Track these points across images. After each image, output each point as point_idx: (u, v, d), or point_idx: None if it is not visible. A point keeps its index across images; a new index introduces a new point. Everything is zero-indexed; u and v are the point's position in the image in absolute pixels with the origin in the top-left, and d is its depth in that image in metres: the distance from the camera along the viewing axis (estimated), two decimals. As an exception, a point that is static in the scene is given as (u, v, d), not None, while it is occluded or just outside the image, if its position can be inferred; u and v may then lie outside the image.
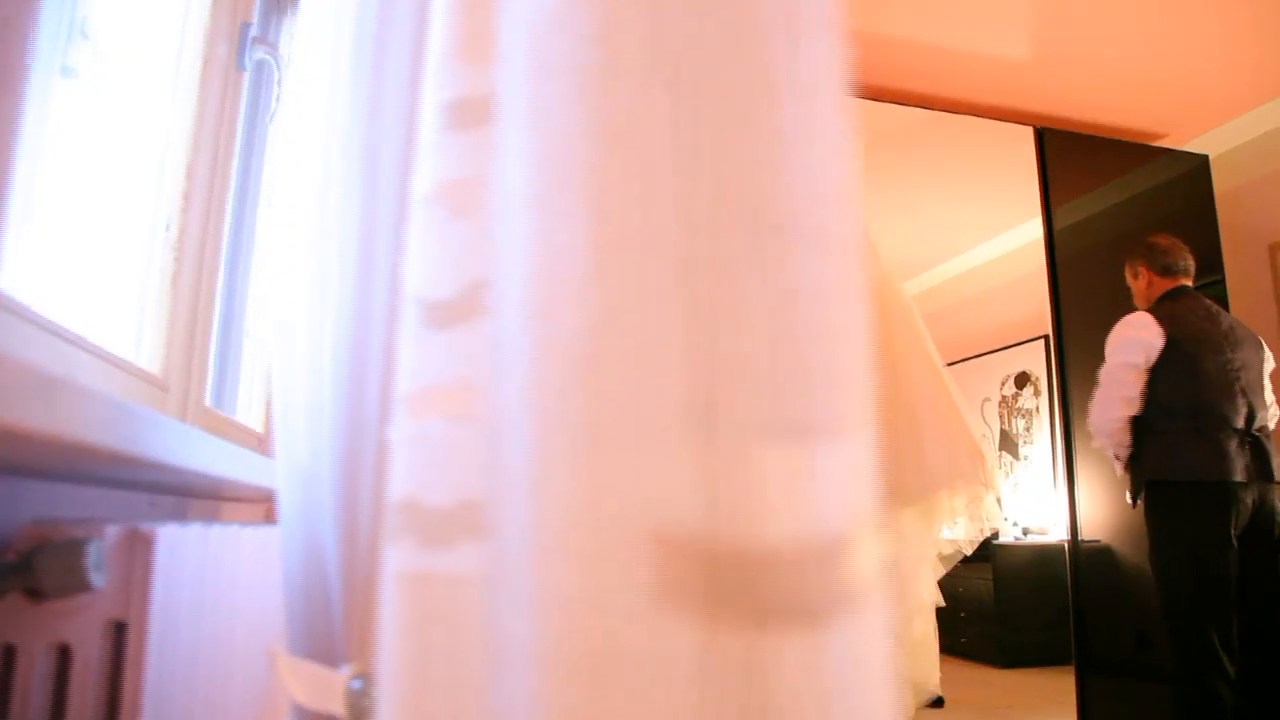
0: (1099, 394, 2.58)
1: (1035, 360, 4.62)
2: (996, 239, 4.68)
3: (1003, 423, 4.86)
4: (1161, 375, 2.47)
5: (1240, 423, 2.42)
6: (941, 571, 2.75)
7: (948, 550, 2.76)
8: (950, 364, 4.77)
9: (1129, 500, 2.59)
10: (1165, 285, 2.65)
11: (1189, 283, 2.65)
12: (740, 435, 0.27)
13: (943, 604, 2.74)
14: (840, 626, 0.27)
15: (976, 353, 5.00)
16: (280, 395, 0.59)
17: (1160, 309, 2.59)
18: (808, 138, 0.30)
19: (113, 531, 0.62)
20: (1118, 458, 2.62)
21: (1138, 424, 2.55)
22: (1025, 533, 4.56)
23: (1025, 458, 4.69)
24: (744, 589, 0.26)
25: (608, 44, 0.29)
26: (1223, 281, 3.48)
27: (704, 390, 0.27)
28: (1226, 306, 3.42)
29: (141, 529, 0.63)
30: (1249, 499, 2.37)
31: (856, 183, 0.32)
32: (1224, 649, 2.27)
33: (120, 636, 0.63)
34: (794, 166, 0.30)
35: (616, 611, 0.26)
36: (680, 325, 0.28)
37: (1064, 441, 3.42)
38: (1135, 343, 2.49)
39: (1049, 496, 4.43)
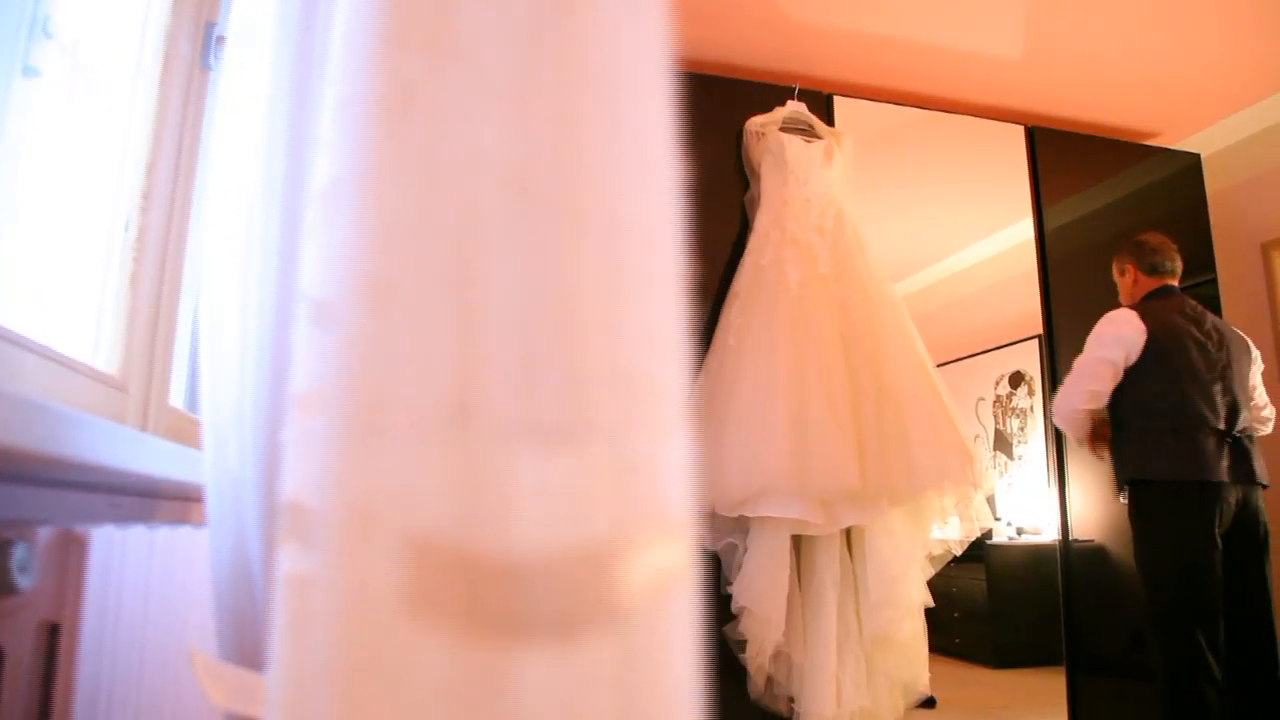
0: (1068, 382, 2.60)
1: (1030, 360, 4.60)
2: (991, 238, 4.66)
3: (997, 422, 4.84)
4: (1142, 374, 2.46)
5: (1221, 423, 2.40)
6: (930, 572, 2.74)
7: (937, 551, 2.75)
8: (945, 364, 4.76)
9: (1118, 495, 2.61)
10: (1151, 284, 2.64)
11: (1175, 283, 2.65)
12: (494, 437, 0.26)
13: (931, 604, 2.73)
14: (603, 642, 0.26)
15: (971, 352, 4.98)
16: (209, 395, 0.59)
17: (1145, 307, 2.58)
18: (612, 123, 0.29)
19: (45, 533, 0.61)
20: (1079, 441, 2.66)
21: (1118, 422, 2.55)
22: (1019, 532, 4.55)
23: (1020, 457, 4.66)
24: (496, 600, 0.25)
25: (391, 31, 0.28)
26: (1214, 281, 3.47)
27: (460, 390, 0.26)
28: (1218, 306, 3.42)
29: (75, 531, 0.62)
30: (1232, 499, 2.36)
31: (669, 169, 0.31)
32: (1210, 650, 2.25)
33: (53, 638, 0.62)
34: (592, 153, 0.29)
35: (376, 621, 0.25)
36: (447, 320, 0.27)
37: (1055, 441, 3.41)
38: (1117, 339, 2.48)
39: (1043, 496, 4.41)
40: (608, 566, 0.27)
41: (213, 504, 0.57)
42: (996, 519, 4.51)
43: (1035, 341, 4.50)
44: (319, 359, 0.30)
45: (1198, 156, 3.57)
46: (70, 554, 0.62)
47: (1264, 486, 2.45)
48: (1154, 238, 2.69)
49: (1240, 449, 2.40)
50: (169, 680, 0.78)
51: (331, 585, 0.26)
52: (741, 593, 2.45)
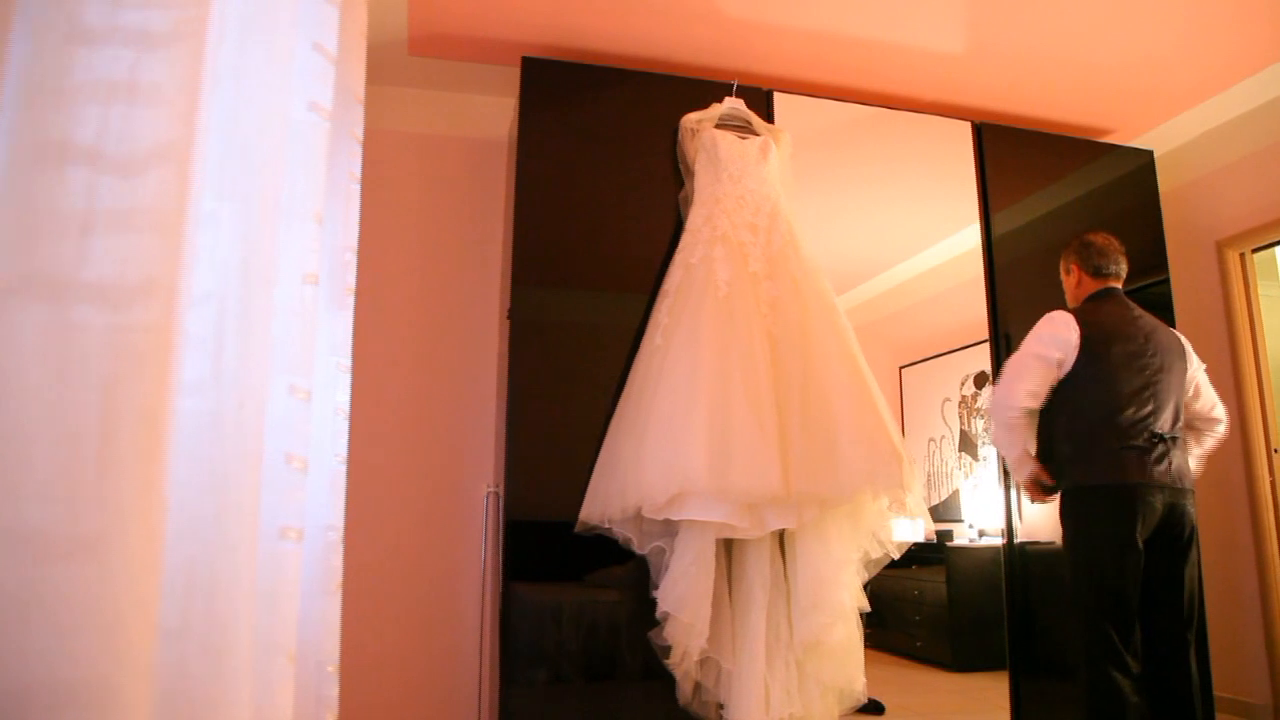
0: (1003, 381, 2.56)
1: (994, 360, 4.57)
2: (956, 236, 4.61)
3: (962, 423, 4.80)
4: (1075, 379, 2.44)
5: (1152, 428, 2.39)
6: (866, 576, 2.69)
7: (875, 554, 2.70)
8: (910, 365, 4.73)
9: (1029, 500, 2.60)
10: (1094, 286, 2.61)
11: (1118, 285, 2.62)
12: None
13: (867, 609, 2.68)
14: None
15: (936, 353, 4.93)
16: None
17: (1084, 310, 2.56)
18: None
19: None
20: (1005, 457, 2.63)
21: (1050, 427, 2.52)
22: (981, 534, 4.50)
23: (984, 459, 4.62)
24: None
25: None
26: (1168, 281, 3.42)
27: None
28: (1171, 306, 3.36)
29: None
30: (1159, 503, 2.33)
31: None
32: (1126, 648, 2.25)
33: None
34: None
35: None
36: None
37: (1002, 443, 3.36)
38: (1053, 339, 2.46)
39: (1015, 498, 4.36)
40: None
41: None
42: (959, 520, 4.47)
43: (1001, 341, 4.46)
44: None
45: (1150, 154, 3.52)
46: None
47: (1189, 490, 2.43)
48: (1100, 238, 2.65)
49: (1167, 453, 2.38)
50: None
51: None
52: (664, 598, 2.41)
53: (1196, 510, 2.44)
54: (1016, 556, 3.23)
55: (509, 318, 2.73)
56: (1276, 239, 3.34)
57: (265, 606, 0.96)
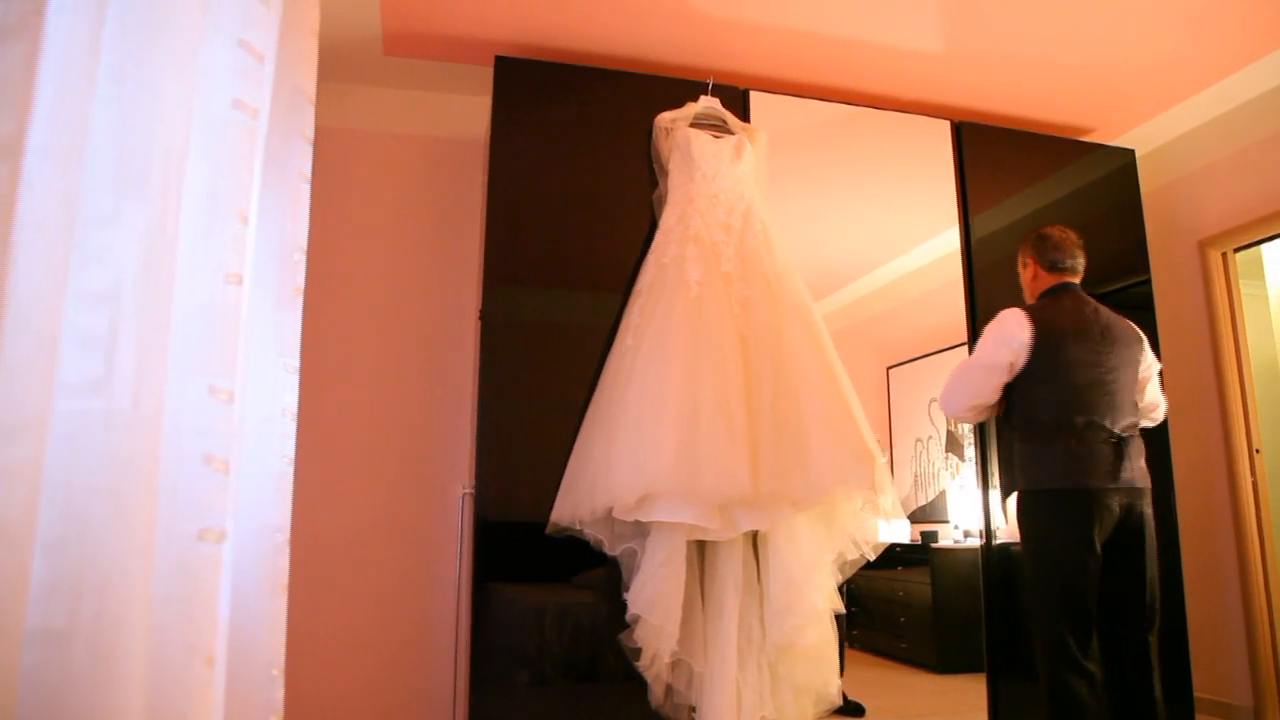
0: (951, 383, 2.59)
1: (981, 360, 4.55)
2: (943, 236, 4.60)
3: (949, 424, 4.79)
4: (1029, 379, 2.42)
5: (1107, 428, 2.36)
6: (841, 577, 2.67)
7: (852, 555, 2.69)
8: (898, 365, 4.72)
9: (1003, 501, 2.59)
10: (1049, 281, 2.59)
11: (1075, 280, 2.59)
12: None
13: (841, 610, 2.67)
14: None
15: (924, 352, 4.92)
16: None
17: (1039, 306, 2.54)
18: None
19: None
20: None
21: (1006, 425, 2.52)
22: (966, 535, 4.48)
23: (970, 459, 4.61)
24: None
25: None
26: (1149, 281, 3.40)
27: None
28: (1153, 306, 3.34)
29: None
30: (1116, 504, 2.32)
31: None
32: (1082, 650, 2.24)
33: None
34: None
35: None
36: None
37: (980, 443, 3.37)
38: (1004, 343, 2.44)
39: (993, 498, 4.35)
40: None
41: None
42: (945, 521, 4.46)
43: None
44: None
45: (1132, 153, 3.50)
46: None
47: (1145, 490, 2.42)
48: (1057, 231, 2.63)
49: (1123, 452, 2.35)
50: None
51: None
52: (634, 600, 2.39)
53: (1154, 509, 2.42)
54: (995, 557, 3.21)
55: (480, 318, 2.72)
56: (1258, 238, 3.32)
57: (178, 610, 0.95)
